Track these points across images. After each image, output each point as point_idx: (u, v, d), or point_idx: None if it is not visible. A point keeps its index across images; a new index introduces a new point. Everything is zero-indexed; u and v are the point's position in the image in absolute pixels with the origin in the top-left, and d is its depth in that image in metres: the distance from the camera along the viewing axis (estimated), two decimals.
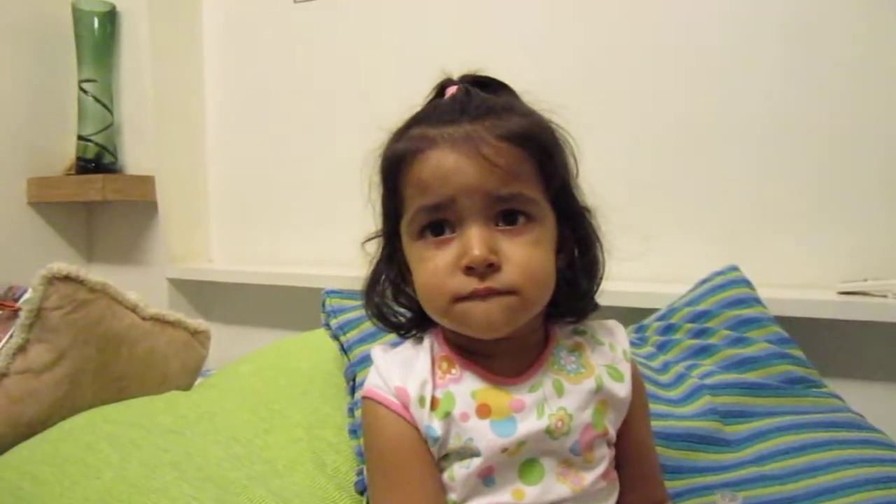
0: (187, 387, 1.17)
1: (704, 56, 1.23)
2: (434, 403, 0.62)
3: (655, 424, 0.84)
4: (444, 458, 0.63)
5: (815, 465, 0.81)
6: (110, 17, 1.74)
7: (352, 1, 1.59)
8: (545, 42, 1.37)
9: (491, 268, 0.59)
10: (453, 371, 0.64)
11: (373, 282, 0.69)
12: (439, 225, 0.61)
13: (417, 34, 1.49)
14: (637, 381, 0.70)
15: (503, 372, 0.64)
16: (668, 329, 1.05)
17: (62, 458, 0.88)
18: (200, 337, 1.23)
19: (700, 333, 1.02)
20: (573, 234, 0.66)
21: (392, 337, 0.73)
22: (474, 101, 0.62)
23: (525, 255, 0.60)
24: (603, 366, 0.67)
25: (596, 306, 0.69)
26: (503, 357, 0.64)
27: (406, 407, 0.62)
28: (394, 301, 0.69)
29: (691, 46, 1.24)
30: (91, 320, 1.03)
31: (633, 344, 1.03)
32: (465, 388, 0.63)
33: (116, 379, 1.07)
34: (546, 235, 0.62)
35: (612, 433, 0.67)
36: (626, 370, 0.68)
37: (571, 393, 0.64)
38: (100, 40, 1.73)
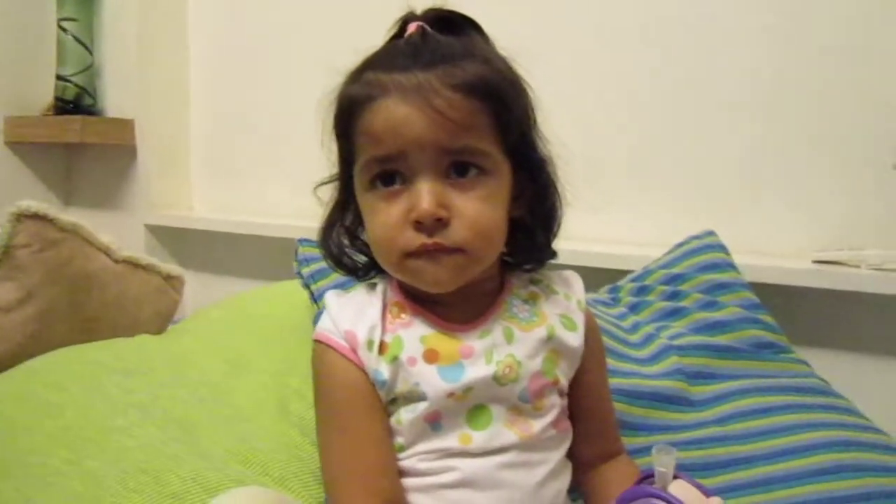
0: (159, 332, 1.16)
1: (686, 19, 1.21)
2: (382, 347, 0.62)
3: (620, 382, 0.85)
4: (392, 403, 0.63)
5: (776, 427, 0.82)
6: None
7: None
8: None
9: (440, 223, 0.58)
10: (403, 316, 0.64)
11: (328, 226, 0.68)
12: (390, 176, 0.60)
13: None
14: (593, 332, 0.70)
15: (455, 319, 0.64)
16: (642, 290, 1.05)
17: (27, 396, 0.88)
18: (174, 282, 1.22)
19: (673, 296, 1.02)
20: (531, 183, 0.65)
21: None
22: (430, 45, 0.60)
23: (475, 211, 0.59)
24: (556, 315, 0.67)
25: (553, 254, 0.68)
26: (456, 305, 0.64)
27: (354, 350, 0.62)
28: (350, 246, 0.68)
29: (677, 6, 1.22)
30: (61, 260, 1.02)
31: (605, 304, 1.04)
32: (415, 333, 0.63)
33: (87, 320, 1.07)
34: (499, 189, 0.61)
35: (564, 383, 0.67)
36: (579, 320, 0.68)
37: (521, 340, 0.64)
38: None
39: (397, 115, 0.58)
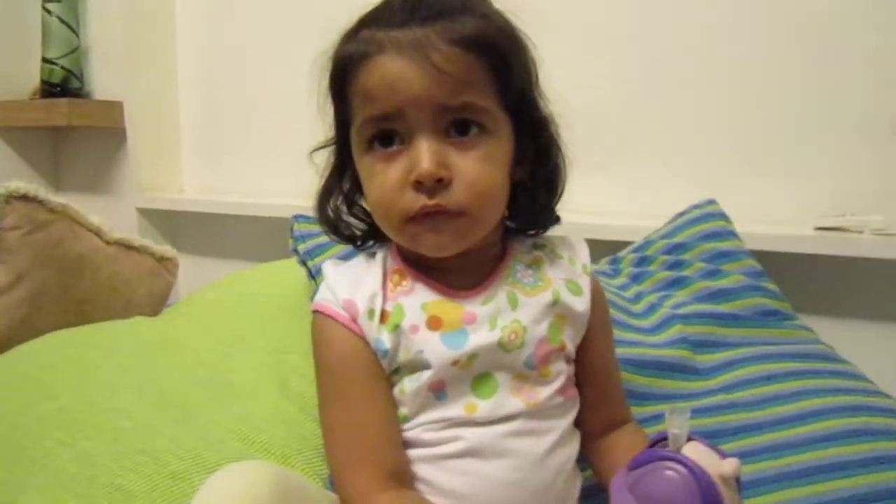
0: (153, 314, 1.14)
1: None
2: (384, 316, 0.61)
3: (625, 352, 0.84)
4: (395, 373, 0.61)
5: (783, 393, 0.81)
6: None
7: None
8: None
9: (440, 183, 0.56)
10: (404, 283, 0.63)
11: (325, 194, 0.66)
12: (388, 136, 0.58)
13: None
14: (598, 297, 0.68)
15: (457, 285, 0.62)
16: (643, 261, 1.03)
17: (20, 378, 0.86)
18: (167, 264, 1.20)
19: (675, 265, 1.00)
20: (533, 143, 0.63)
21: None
22: (427, 1, 0.57)
23: (476, 172, 0.57)
24: (561, 279, 0.65)
25: (557, 219, 0.67)
26: (458, 270, 0.62)
27: (354, 320, 0.61)
28: (348, 213, 0.66)
29: None
30: (51, 241, 1.00)
31: (606, 275, 1.02)
32: (416, 300, 0.61)
33: (79, 302, 1.05)
34: (500, 148, 0.60)
35: (571, 348, 0.65)
36: (584, 284, 0.66)
37: (526, 305, 0.62)
38: None
39: (394, 71, 0.56)
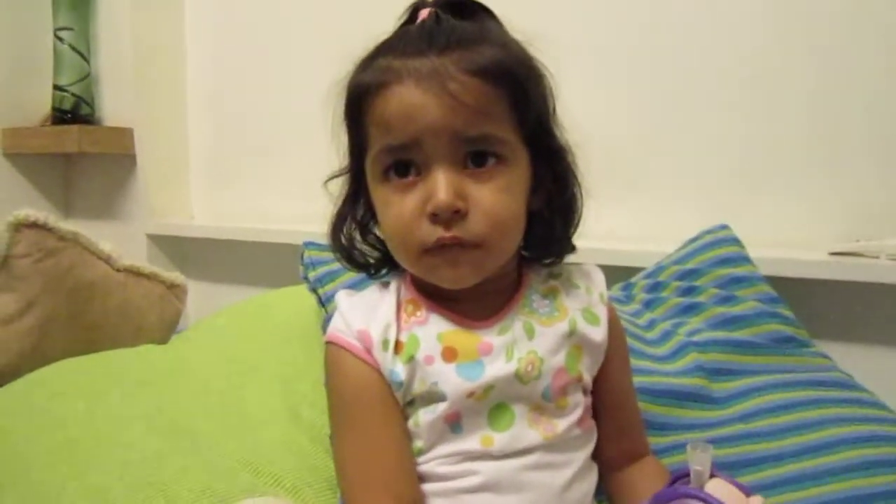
0: (163, 341, 1.14)
1: (704, 11, 1.19)
2: (398, 347, 0.60)
3: (640, 380, 0.82)
4: (410, 405, 0.60)
5: (802, 422, 0.80)
6: None
7: None
8: None
9: (457, 214, 0.56)
10: (419, 313, 0.62)
11: (339, 221, 0.66)
12: (404, 166, 0.57)
13: None
14: (615, 326, 0.67)
15: (472, 315, 0.61)
16: (656, 287, 1.02)
17: (28, 408, 0.85)
18: (177, 291, 1.20)
19: (688, 291, 0.99)
20: (550, 172, 0.62)
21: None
22: (444, 29, 0.57)
23: (494, 203, 0.56)
24: (578, 309, 0.64)
25: (573, 248, 0.66)
26: (473, 300, 0.61)
27: (369, 351, 0.60)
28: (362, 241, 0.66)
29: (683, 5, 1.20)
30: (61, 269, 1.00)
31: (619, 301, 1.01)
32: (431, 330, 0.61)
33: (88, 329, 1.04)
34: (517, 179, 0.59)
35: (588, 379, 0.64)
36: (602, 314, 0.65)
37: (543, 335, 0.61)
38: None
39: (411, 101, 0.55)
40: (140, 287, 1.13)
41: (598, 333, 0.64)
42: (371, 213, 0.64)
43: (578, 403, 0.62)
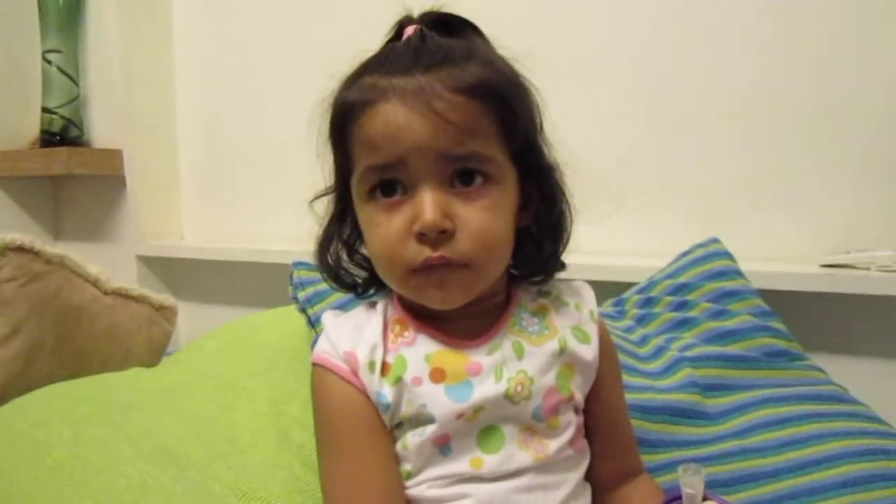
0: (152, 364, 1.12)
1: (691, 27, 1.20)
2: (385, 368, 0.59)
3: (634, 397, 0.82)
4: (397, 427, 0.60)
5: (798, 437, 0.79)
6: None
7: None
8: (527, 12, 1.32)
9: (444, 234, 0.55)
10: (406, 334, 0.61)
11: (325, 241, 0.65)
12: (390, 185, 0.57)
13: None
14: (606, 344, 0.67)
15: (460, 334, 0.61)
16: (648, 302, 1.02)
17: (13, 435, 0.83)
18: (166, 312, 1.19)
19: (680, 306, 0.99)
20: (538, 191, 0.62)
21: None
22: (430, 47, 0.57)
23: (481, 222, 0.56)
24: (568, 327, 0.63)
25: (562, 266, 0.65)
26: (461, 320, 0.61)
27: (355, 373, 0.59)
28: (349, 261, 0.65)
29: (679, 16, 1.21)
30: (47, 293, 0.99)
31: (611, 317, 1.01)
32: (419, 351, 0.60)
33: (75, 354, 1.03)
34: (505, 198, 0.59)
35: (580, 398, 0.63)
36: (592, 331, 0.64)
37: (532, 355, 0.60)
38: (64, 8, 1.67)
39: (397, 119, 0.55)
40: (128, 309, 1.12)
41: (589, 352, 0.63)
42: (357, 233, 0.64)
43: (570, 423, 0.62)
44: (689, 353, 0.90)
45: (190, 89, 1.74)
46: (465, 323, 0.61)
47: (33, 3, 1.67)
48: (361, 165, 0.58)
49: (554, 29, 1.29)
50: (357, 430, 0.59)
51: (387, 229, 0.56)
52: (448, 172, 0.56)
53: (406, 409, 0.58)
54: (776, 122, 1.15)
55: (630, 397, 0.81)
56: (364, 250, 0.64)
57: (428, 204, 0.55)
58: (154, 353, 1.16)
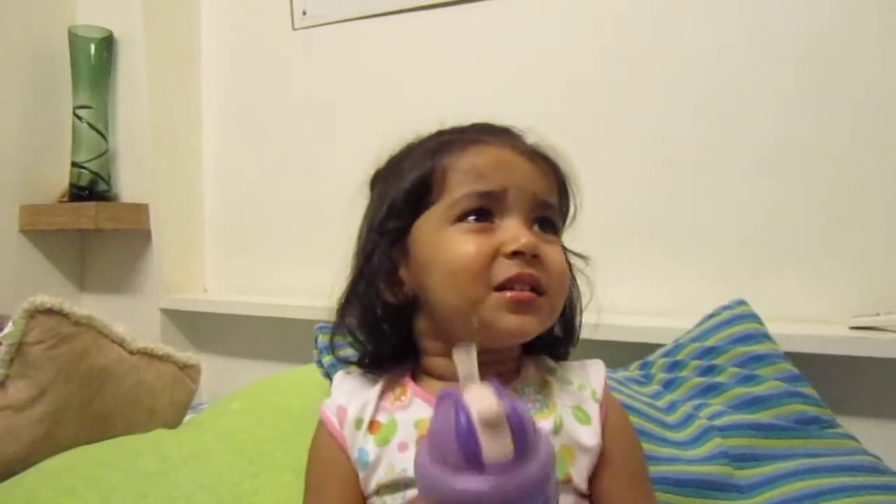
0: (176, 422, 1.12)
1: (713, 87, 1.21)
2: (373, 426, 0.61)
3: (663, 469, 0.80)
4: (376, 494, 0.60)
5: None
6: (107, 43, 1.72)
7: (352, 27, 1.56)
8: (544, 74, 1.33)
9: (536, 259, 0.59)
10: (403, 398, 0.62)
11: (346, 304, 0.67)
12: (483, 212, 0.61)
13: (416, 62, 1.47)
14: (619, 424, 0.65)
15: None
16: (675, 366, 1.01)
17: (38, 502, 0.83)
18: (190, 371, 1.18)
19: (708, 371, 0.98)
20: None
21: None
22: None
23: (560, 261, 0.62)
24: (568, 406, 0.62)
25: (573, 345, 0.70)
26: None
27: (341, 426, 0.62)
28: (387, 289, 0.64)
29: (702, 71, 1.21)
30: (74, 355, 0.99)
31: (637, 382, 0.99)
32: (411, 415, 0.61)
33: (101, 415, 1.03)
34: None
35: (579, 481, 0.60)
36: (593, 412, 0.62)
37: None
38: (96, 66, 1.72)
39: (505, 155, 0.62)
40: (153, 369, 1.12)
41: (589, 434, 0.61)
42: (400, 286, 0.63)
43: None
44: (718, 422, 0.88)
45: (216, 145, 1.77)
46: None
47: (66, 61, 1.71)
48: (460, 191, 0.61)
49: (577, 85, 1.31)
50: (330, 482, 0.61)
51: (477, 247, 0.59)
52: (534, 215, 0.62)
53: (386, 474, 0.59)
54: (801, 179, 1.14)
55: (659, 469, 0.79)
56: (404, 274, 0.64)
57: (524, 228, 0.60)
58: (178, 413, 1.16)
